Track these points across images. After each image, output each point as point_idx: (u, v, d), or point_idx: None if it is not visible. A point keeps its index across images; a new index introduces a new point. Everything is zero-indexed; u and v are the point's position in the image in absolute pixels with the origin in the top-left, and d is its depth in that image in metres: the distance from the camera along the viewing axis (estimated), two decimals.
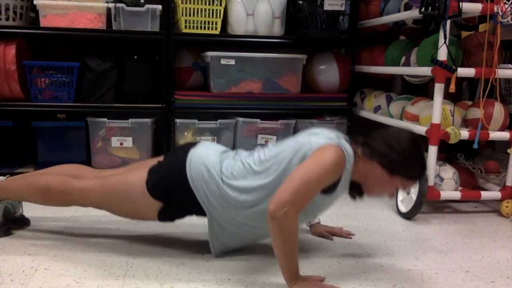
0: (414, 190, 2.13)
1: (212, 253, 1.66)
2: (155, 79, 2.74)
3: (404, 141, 1.50)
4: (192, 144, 1.68)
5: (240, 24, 2.69)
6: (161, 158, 1.69)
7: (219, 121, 2.73)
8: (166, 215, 1.63)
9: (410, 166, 1.51)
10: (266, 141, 2.80)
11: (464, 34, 2.43)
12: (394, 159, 1.49)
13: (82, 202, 1.69)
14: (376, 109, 2.77)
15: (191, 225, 1.99)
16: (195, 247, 1.76)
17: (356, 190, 1.64)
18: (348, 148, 1.50)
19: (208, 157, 1.59)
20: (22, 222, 1.88)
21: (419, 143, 1.53)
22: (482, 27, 2.55)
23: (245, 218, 1.56)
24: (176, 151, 1.69)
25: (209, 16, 2.64)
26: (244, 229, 1.60)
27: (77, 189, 1.67)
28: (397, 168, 1.50)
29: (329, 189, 1.51)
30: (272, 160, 1.53)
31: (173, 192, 1.58)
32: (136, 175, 1.62)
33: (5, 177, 1.86)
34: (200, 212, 1.60)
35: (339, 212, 2.23)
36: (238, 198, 1.53)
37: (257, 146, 1.69)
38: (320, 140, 1.48)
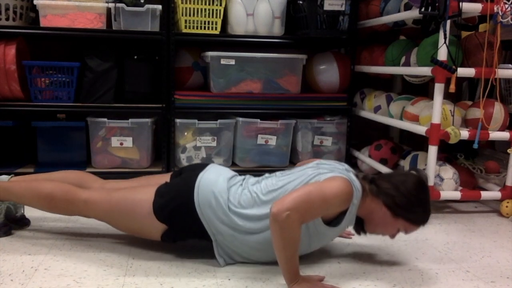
0: None
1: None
2: (155, 79, 2.74)
3: (411, 185, 1.51)
4: (201, 167, 1.67)
5: (240, 24, 2.69)
6: (168, 178, 1.70)
7: (219, 121, 2.73)
8: (169, 237, 1.62)
9: (414, 211, 1.51)
10: (266, 141, 2.80)
11: (464, 34, 2.43)
12: (399, 201, 1.50)
13: (85, 214, 1.69)
14: (376, 109, 2.77)
15: None
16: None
17: (361, 226, 1.63)
18: (356, 183, 1.50)
19: (216, 184, 1.58)
20: (22, 222, 1.88)
21: (426, 189, 1.53)
22: (482, 27, 2.55)
23: (250, 247, 1.56)
24: (185, 173, 1.67)
25: (209, 16, 2.64)
26: (249, 258, 1.60)
27: (83, 200, 1.66)
28: (401, 211, 1.51)
29: (335, 222, 1.51)
30: (280, 190, 1.53)
31: (179, 216, 1.57)
32: (143, 194, 1.61)
33: (9, 177, 1.86)
34: (205, 237, 1.59)
35: None
36: (245, 225, 1.53)
37: (264, 174, 1.68)
38: (330, 173, 1.49)
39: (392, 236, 1.59)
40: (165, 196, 1.58)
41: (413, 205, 1.51)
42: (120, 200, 1.62)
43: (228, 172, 1.68)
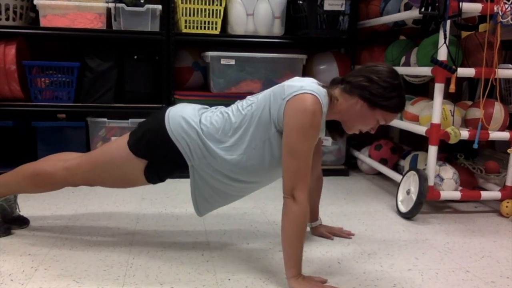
0: (414, 190, 2.13)
1: (195, 211, 1.67)
2: (155, 79, 2.74)
3: (383, 74, 1.51)
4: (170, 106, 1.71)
5: (240, 24, 2.69)
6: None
7: None
8: (153, 173, 1.63)
9: (390, 98, 1.51)
10: None
11: (464, 34, 2.43)
12: (374, 91, 1.50)
13: (71, 180, 1.69)
14: None
15: (191, 225, 1.99)
16: (195, 247, 1.76)
17: (336, 130, 1.66)
18: (320, 91, 1.48)
19: (185, 111, 1.62)
20: (21, 222, 1.88)
21: (397, 75, 1.54)
22: (482, 27, 2.55)
23: (226, 169, 1.57)
24: (154, 113, 1.71)
25: (209, 16, 2.64)
26: (226, 182, 1.61)
27: (65, 168, 1.68)
28: (378, 100, 1.50)
29: None
30: (248, 108, 1.56)
31: (155, 146, 1.60)
32: (118, 141, 1.66)
33: None
34: (184, 165, 1.61)
35: (339, 212, 2.23)
36: (218, 152, 1.55)
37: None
38: (292, 88, 1.47)
39: (373, 129, 1.60)
40: (137, 133, 1.63)
41: (388, 91, 1.50)
42: (98, 154, 1.66)
43: (198, 105, 1.71)
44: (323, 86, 1.53)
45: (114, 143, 1.67)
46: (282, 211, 1.45)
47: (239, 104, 1.62)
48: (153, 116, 1.68)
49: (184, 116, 1.59)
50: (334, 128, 1.66)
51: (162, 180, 1.68)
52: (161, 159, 1.62)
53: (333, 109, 1.55)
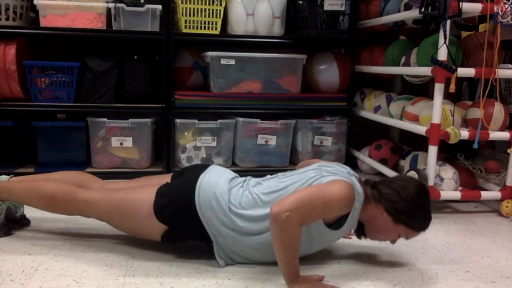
0: None
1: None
2: (155, 79, 2.74)
3: (412, 191, 1.50)
4: (202, 168, 1.66)
5: (240, 24, 2.69)
6: (169, 179, 1.69)
7: (219, 121, 2.73)
8: (169, 237, 1.62)
9: (415, 217, 1.51)
10: (266, 141, 2.80)
11: (464, 34, 2.43)
12: (400, 207, 1.49)
13: (85, 213, 1.69)
14: (376, 109, 2.77)
15: None
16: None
17: (362, 230, 1.62)
18: (358, 187, 1.49)
19: (217, 186, 1.57)
20: (22, 222, 1.88)
21: (427, 195, 1.53)
22: (482, 27, 2.55)
23: (251, 248, 1.55)
24: (186, 174, 1.67)
25: (209, 16, 2.64)
26: (249, 259, 1.60)
27: (83, 200, 1.66)
28: (402, 217, 1.50)
29: (337, 224, 1.51)
30: (281, 192, 1.53)
31: (179, 217, 1.57)
32: (144, 194, 1.61)
33: (9, 177, 1.86)
34: (205, 238, 1.59)
35: None
36: (245, 226, 1.52)
37: (266, 175, 1.69)
38: (332, 176, 1.48)
39: (393, 241, 1.59)
40: (166, 197, 1.58)
41: (414, 211, 1.50)
42: (120, 200, 1.62)
43: (229, 173, 1.68)
44: (359, 181, 1.52)
45: (139, 194, 1.62)
46: (274, 224, 1.36)
47: (271, 183, 1.58)
48: (184, 179, 1.63)
49: (215, 192, 1.55)
50: (361, 228, 1.61)
51: (175, 243, 1.66)
52: (183, 230, 1.59)
53: (366, 208, 1.53)
